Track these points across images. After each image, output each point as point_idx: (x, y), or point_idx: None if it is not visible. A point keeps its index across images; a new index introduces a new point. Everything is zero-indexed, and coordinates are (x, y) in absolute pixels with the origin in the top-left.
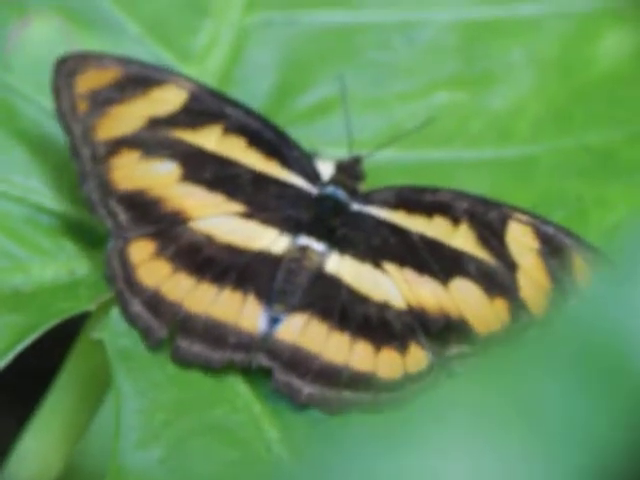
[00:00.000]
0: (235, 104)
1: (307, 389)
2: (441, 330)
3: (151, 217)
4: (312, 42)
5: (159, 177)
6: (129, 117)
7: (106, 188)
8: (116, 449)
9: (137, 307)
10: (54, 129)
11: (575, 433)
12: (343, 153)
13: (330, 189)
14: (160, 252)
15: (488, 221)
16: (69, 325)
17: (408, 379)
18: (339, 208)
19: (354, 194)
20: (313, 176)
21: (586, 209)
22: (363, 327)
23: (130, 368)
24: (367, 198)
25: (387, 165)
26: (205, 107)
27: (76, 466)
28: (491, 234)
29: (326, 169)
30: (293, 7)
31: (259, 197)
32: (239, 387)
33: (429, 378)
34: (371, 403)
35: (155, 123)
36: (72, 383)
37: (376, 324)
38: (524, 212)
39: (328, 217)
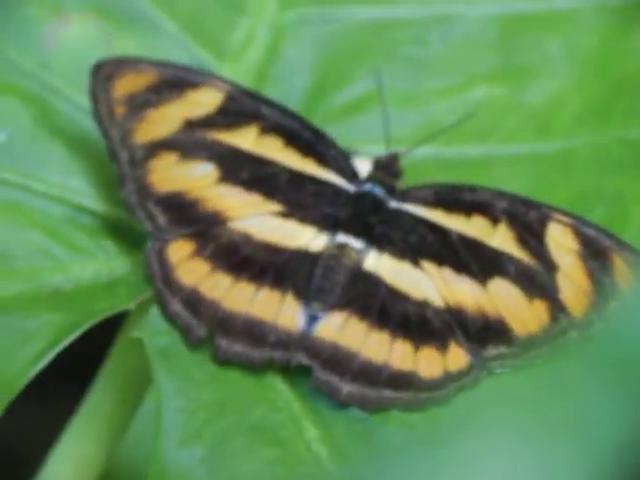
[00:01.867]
0: (271, 104)
1: (347, 388)
2: (479, 330)
3: (189, 218)
4: (348, 39)
5: (197, 179)
6: (166, 120)
7: (144, 191)
8: (157, 448)
9: (176, 306)
10: (92, 128)
11: (616, 440)
12: (380, 150)
13: (368, 186)
14: (198, 252)
15: (528, 221)
16: (108, 324)
17: (448, 378)
18: (377, 205)
19: (392, 191)
20: (350, 174)
21: (626, 205)
22: (402, 325)
23: (170, 367)
24: (405, 195)
25: (424, 161)
26: (241, 108)
27: (116, 467)
28: (530, 234)
29: (363, 166)
30: (329, 3)
31: (297, 196)
32: (279, 386)
33: (469, 378)
34: (411, 402)
35: (192, 125)
36: (111, 383)
37: (415, 322)
38: (564, 213)
39: (366, 214)
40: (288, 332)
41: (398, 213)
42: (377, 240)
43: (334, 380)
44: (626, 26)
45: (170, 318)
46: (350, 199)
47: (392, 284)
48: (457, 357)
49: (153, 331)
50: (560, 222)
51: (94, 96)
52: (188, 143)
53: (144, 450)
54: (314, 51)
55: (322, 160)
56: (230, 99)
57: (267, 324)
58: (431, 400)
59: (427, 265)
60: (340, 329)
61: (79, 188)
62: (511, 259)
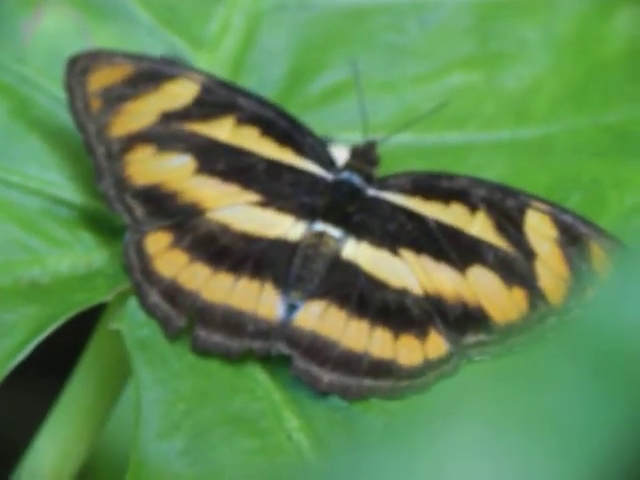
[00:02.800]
0: (247, 94)
1: (327, 377)
2: (458, 318)
3: (167, 210)
4: (325, 25)
5: (174, 171)
6: (142, 113)
7: (122, 184)
8: (137, 440)
9: (155, 297)
10: (69, 121)
11: (593, 434)
12: (357, 137)
13: (345, 174)
14: (176, 243)
15: (506, 209)
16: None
17: (428, 366)
18: (355, 193)
19: (369, 179)
20: (328, 162)
21: (604, 190)
22: (382, 314)
23: (149, 358)
24: (383, 183)
25: (402, 149)
26: (217, 99)
27: (97, 458)
28: (509, 222)
29: (341, 154)
30: None
31: (274, 185)
32: (258, 376)
33: (448, 366)
34: (391, 390)
35: (168, 117)
36: (91, 374)
37: (394, 311)
38: (542, 200)
39: (344, 203)
40: (267, 322)
41: (376, 201)
42: (355, 228)
43: (314, 369)
44: (603, 10)
45: (149, 309)
46: (328, 187)
47: (371, 272)
48: (437, 345)
49: (132, 323)
50: (538, 209)
51: (69, 90)
52: (165, 135)
53: (127, 441)
54: (291, 38)
55: (299, 149)
56: (206, 90)
57: (246, 314)
58: (411, 388)
59: (406, 253)
60: (319, 318)
61: (56, 181)
62: (490, 247)
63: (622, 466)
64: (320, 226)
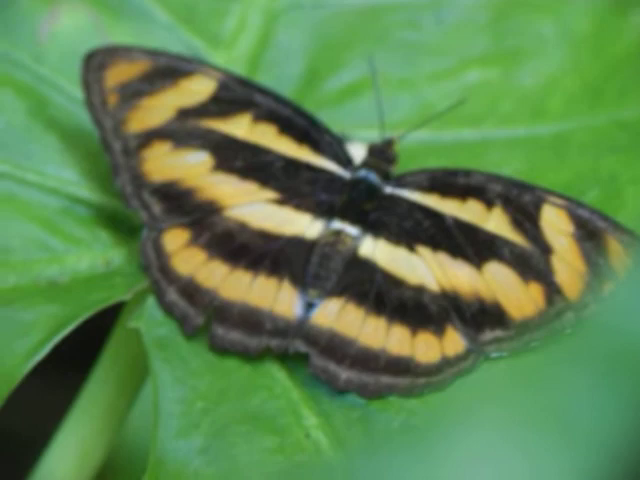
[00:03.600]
0: (264, 91)
1: (345, 374)
2: (475, 314)
3: (185, 207)
4: (341, 23)
5: (191, 167)
6: (159, 109)
7: (139, 181)
8: (156, 438)
9: (173, 295)
10: (87, 119)
11: (604, 437)
12: (374, 135)
13: (362, 173)
14: (194, 240)
15: (522, 204)
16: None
17: (445, 363)
18: (372, 191)
19: (387, 177)
20: (345, 160)
21: (621, 187)
22: (399, 311)
23: (167, 357)
24: (400, 181)
25: (419, 146)
26: (234, 95)
27: (117, 457)
28: (525, 218)
29: (358, 152)
30: None
31: (292, 183)
32: (277, 374)
33: (466, 363)
34: (409, 388)
35: (185, 114)
36: (110, 373)
37: (412, 308)
38: (558, 195)
39: (361, 201)
40: (285, 320)
41: (393, 199)
42: (372, 226)
43: (332, 367)
44: (619, 6)
45: (167, 307)
46: (345, 186)
47: (388, 270)
48: (454, 342)
49: (150, 321)
50: (554, 204)
51: (86, 85)
52: (182, 132)
53: (146, 439)
54: (307, 37)
55: (317, 147)
56: (223, 87)
57: (264, 312)
58: (429, 385)
59: (422, 250)
60: (337, 316)
61: (74, 179)
62: (506, 242)
63: (633, 467)
64: (338, 224)
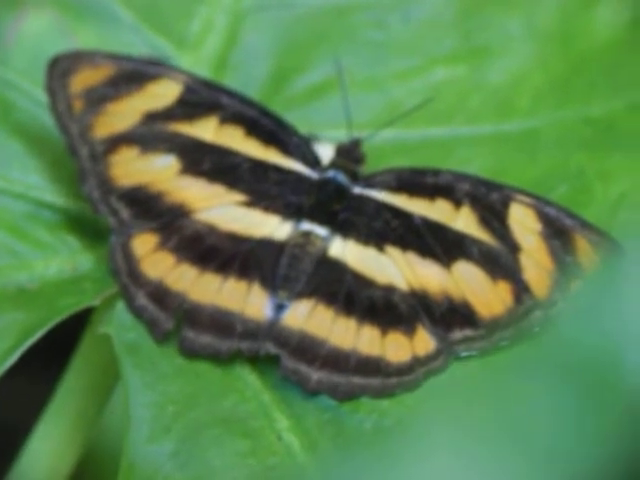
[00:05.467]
0: (230, 93)
1: (316, 375)
2: (445, 314)
3: (153, 212)
4: (307, 24)
5: (159, 171)
6: (125, 113)
7: (106, 186)
8: (127, 443)
9: (142, 300)
10: (52, 124)
11: (563, 446)
12: (342, 135)
13: (331, 173)
14: (163, 244)
15: (490, 203)
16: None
17: (416, 363)
18: (340, 192)
19: (355, 177)
20: (313, 161)
21: (589, 182)
22: (369, 311)
23: (138, 362)
24: (368, 181)
25: (387, 145)
26: (200, 98)
27: (90, 461)
28: (493, 216)
29: (326, 152)
30: None
31: (260, 185)
32: (247, 377)
33: (437, 362)
34: (380, 388)
35: (152, 118)
36: (80, 378)
37: (382, 308)
38: (526, 194)
39: (330, 201)
40: (256, 322)
41: (362, 199)
42: (342, 227)
43: (303, 368)
44: (586, 2)
45: (136, 312)
46: (313, 186)
47: (358, 270)
48: (424, 341)
49: (120, 326)
50: (522, 203)
51: (51, 92)
52: (148, 136)
53: (119, 443)
54: (273, 37)
55: (284, 148)
56: (189, 90)
57: (234, 314)
58: (400, 386)
59: (392, 250)
60: (307, 317)
61: (40, 184)
62: (474, 241)
63: (596, 474)
64: (307, 225)
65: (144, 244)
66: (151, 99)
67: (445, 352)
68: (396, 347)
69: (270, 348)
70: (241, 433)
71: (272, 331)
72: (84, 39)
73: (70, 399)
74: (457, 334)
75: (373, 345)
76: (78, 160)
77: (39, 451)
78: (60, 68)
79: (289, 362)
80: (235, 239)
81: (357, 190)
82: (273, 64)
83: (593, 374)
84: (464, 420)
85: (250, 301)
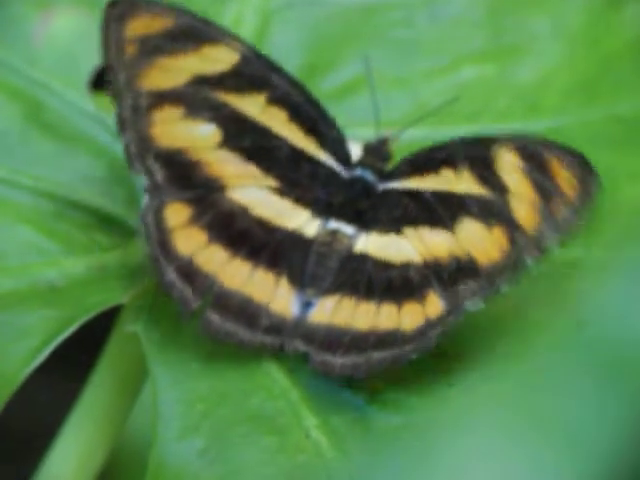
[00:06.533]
0: (283, 74)
1: (339, 361)
2: (452, 273)
3: (187, 180)
4: (336, 22)
5: (199, 139)
6: (176, 71)
7: (145, 142)
8: (156, 441)
9: (172, 275)
10: (82, 123)
11: (606, 443)
12: (370, 133)
13: (359, 171)
14: (196, 219)
15: (481, 156)
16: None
17: (429, 326)
18: (367, 190)
19: (382, 175)
20: (344, 158)
21: (617, 181)
22: (387, 291)
23: (166, 359)
24: (390, 175)
25: (415, 143)
26: (254, 73)
27: (118, 460)
28: (486, 168)
29: (354, 150)
30: None
31: (293, 174)
32: (275, 374)
33: (447, 321)
34: (398, 357)
35: (202, 81)
36: (109, 376)
37: (398, 285)
38: (508, 136)
39: (357, 199)
40: (282, 317)
41: (385, 194)
42: (367, 223)
43: (329, 358)
44: (613, 1)
45: (165, 287)
46: (343, 184)
47: (378, 257)
48: (435, 304)
49: (148, 324)
50: (504, 145)
51: (105, 32)
52: (195, 100)
53: (147, 441)
54: (302, 35)
55: (321, 141)
56: (245, 62)
57: (261, 307)
58: (416, 351)
59: (407, 230)
60: (333, 311)
61: (69, 183)
62: (473, 198)
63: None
64: (334, 224)
65: (177, 214)
66: (205, 62)
67: (454, 310)
68: (410, 316)
69: (299, 346)
70: (269, 430)
71: (299, 328)
72: None
73: (98, 397)
74: (463, 289)
75: (391, 320)
76: (120, 107)
77: (67, 449)
78: (117, 11)
79: (317, 356)
80: (266, 227)
81: (382, 186)
82: (301, 62)
83: (627, 373)
84: (499, 419)
85: (278, 295)
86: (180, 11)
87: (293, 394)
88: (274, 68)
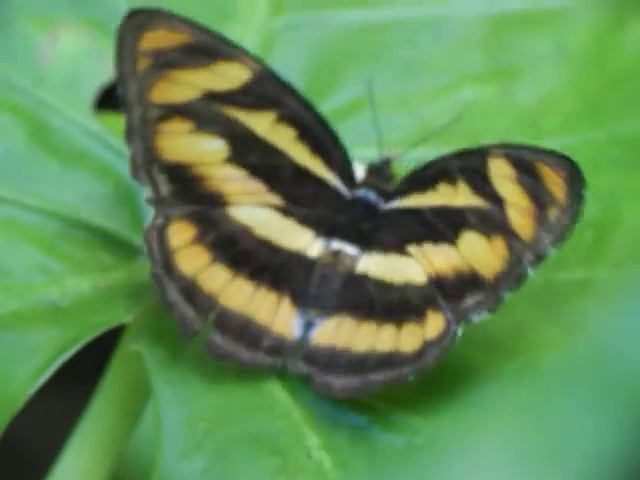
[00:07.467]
0: (294, 93)
1: (340, 382)
2: (455, 287)
3: (192, 194)
4: (339, 43)
5: (206, 154)
6: (188, 85)
7: (151, 153)
8: (158, 460)
9: (174, 295)
10: (86, 143)
11: (601, 462)
12: (373, 154)
13: (362, 192)
14: (199, 238)
15: (474, 168)
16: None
17: (428, 346)
18: (370, 211)
19: (385, 195)
20: (349, 179)
21: (620, 202)
22: (387, 312)
23: (169, 378)
24: (392, 196)
25: (418, 164)
26: (265, 91)
27: (120, 478)
28: (480, 179)
29: (358, 171)
30: (319, 8)
31: (297, 193)
32: (278, 394)
33: (447, 339)
34: (397, 377)
35: (213, 97)
36: (112, 395)
37: (398, 305)
38: (499, 145)
39: (360, 220)
40: (283, 338)
41: (387, 214)
42: (369, 244)
43: (330, 379)
44: (616, 21)
45: (167, 307)
46: (346, 204)
47: (379, 278)
48: (435, 323)
49: (151, 343)
50: (495, 155)
51: (120, 42)
52: (205, 114)
53: (150, 460)
54: (304, 56)
55: (327, 160)
56: (257, 79)
57: (263, 328)
58: (415, 372)
59: (410, 249)
60: (335, 332)
61: (73, 202)
62: (471, 210)
63: None
64: (337, 244)
65: (181, 234)
66: (218, 78)
67: (456, 325)
68: (409, 337)
69: (302, 367)
70: (271, 450)
71: (301, 350)
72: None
73: (102, 416)
74: (468, 302)
75: (389, 341)
76: (129, 117)
77: (70, 468)
78: (135, 21)
79: (318, 377)
80: (269, 247)
81: (384, 206)
82: (304, 83)
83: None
84: (504, 439)
85: (280, 316)
86: (197, 27)
87: (295, 413)
88: (286, 87)
